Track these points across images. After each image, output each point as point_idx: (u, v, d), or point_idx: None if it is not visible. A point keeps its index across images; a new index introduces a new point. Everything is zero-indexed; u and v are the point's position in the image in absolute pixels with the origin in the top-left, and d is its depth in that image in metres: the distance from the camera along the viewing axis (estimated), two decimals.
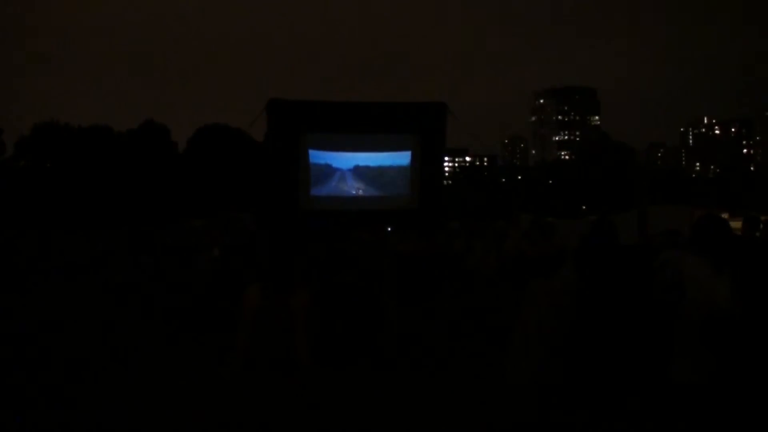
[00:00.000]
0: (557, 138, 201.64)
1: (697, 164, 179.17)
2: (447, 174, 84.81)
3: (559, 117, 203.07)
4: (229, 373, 4.25)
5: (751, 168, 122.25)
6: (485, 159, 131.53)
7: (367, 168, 19.38)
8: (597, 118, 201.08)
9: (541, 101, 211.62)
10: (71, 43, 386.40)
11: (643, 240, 10.03)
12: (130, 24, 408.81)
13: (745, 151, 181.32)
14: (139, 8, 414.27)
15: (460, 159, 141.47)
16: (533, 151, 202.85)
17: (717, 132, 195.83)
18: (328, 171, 19.22)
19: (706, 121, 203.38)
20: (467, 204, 54.04)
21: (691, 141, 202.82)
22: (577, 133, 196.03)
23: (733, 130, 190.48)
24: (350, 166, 19.33)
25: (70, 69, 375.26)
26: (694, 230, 4.01)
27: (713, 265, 3.80)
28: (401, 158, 19.43)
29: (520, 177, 79.93)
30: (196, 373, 6.03)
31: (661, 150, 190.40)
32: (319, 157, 19.11)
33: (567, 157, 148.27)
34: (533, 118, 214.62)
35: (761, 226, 7.47)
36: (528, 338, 4.33)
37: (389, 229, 16.98)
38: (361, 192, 19.42)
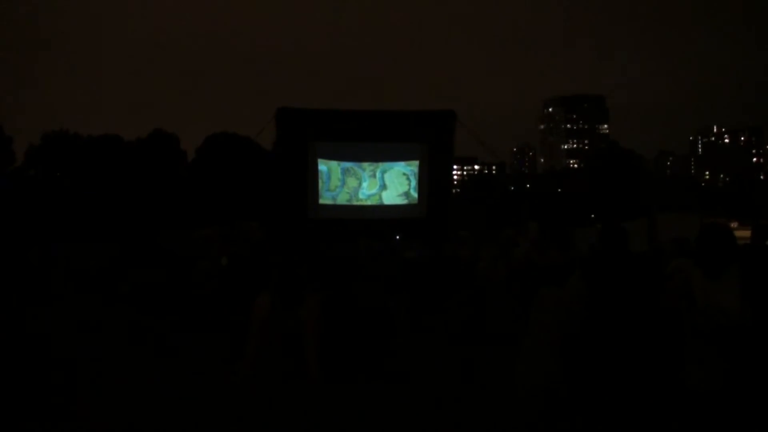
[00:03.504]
0: (566, 146, 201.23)
1: (707, 172, 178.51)
2: (455, 182, 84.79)
3: (568, 125, 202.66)
4: (237, 382, 4.25)
5: (761, 176, 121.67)
6: (494, 167, 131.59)
7: (375, 176, 19.39)
8: (606, 126, 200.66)
9: (550, 109, 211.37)
10: (81, 52, 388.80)
11: (653, 248, 9.98)
12: (138, 34, 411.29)
13: (754, 159, 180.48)
14: (147, 18, 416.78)
15: (469, 167, 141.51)
16: (542, 160, 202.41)
17: (726, 140, 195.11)
18: (337, 179, 19.23)
19: (715, 130, 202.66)
20: (476, 212, 53.92)
21: (700, 149, 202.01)
22: (586, 141, 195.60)
23: (742, 138, 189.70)
24: (359, 174, 19.34)
25: (80, 78, 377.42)
26: (698, 239, 4.02)
27: (720, 274, 3.80)
28: (410, 167, 19.44)
29: (528, 185, 79.75)
30: (204, 380, 6.03)
31: (671, 158, 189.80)
32: (327, 165, 19.14)
33: (576, 165, 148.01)
34: (542, 127, 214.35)
35: None
36: (538, 346, 4.32)
37: (397, 237, 17.00)
38: (369, 200, 19.42)
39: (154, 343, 7.82)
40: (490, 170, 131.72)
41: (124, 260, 11.28)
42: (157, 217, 39.55)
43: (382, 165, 19.35)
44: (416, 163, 19.36)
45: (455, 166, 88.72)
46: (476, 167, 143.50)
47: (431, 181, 19.23)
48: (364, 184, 19.34)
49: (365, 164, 19.34)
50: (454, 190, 39.89)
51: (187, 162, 57.81)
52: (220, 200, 44.42)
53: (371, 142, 19.11)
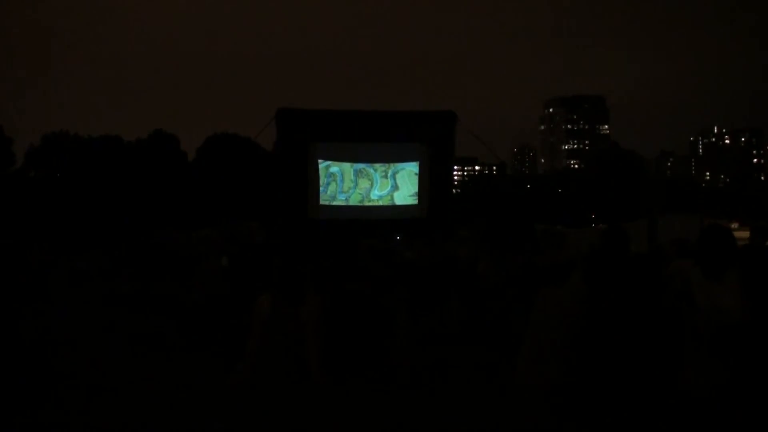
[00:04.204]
0: (566, 147, 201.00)
1: (707, 173, 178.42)
2: (456, 182, 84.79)
3: (568, 126, 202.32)
4: (238, 382, 4.26)
5: (761, 177, 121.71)
6: (494, 168, 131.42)
7: (376, 177, 19.39)
8: (606, 126, 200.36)
9: (550, 110, 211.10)
10: (81, 53, 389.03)
11: (653, 249, 9.99)
12: (139, 34, 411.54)
13: (755, 160, 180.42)
14: (147, 19, 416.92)
15: (469, 168, 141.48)
16: (542, 160, 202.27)
17: (727, 141, 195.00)
18: (337, 180, 19.24)
19: (716, 131, 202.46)
20: (476, 212, 53.90)
21: (700, 150, 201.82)
22: (586, 141, 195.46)
23: (743, 139, 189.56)
24: (359, 175, 19.34)
25: (80, 78, 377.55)
26: (699, 240, 4.03)
27: (721, 275, 3.80)
28: (410, 167, 19.44)
29: (529, 186, 79.73)
30: (205, 381, 6.02)
31: (671, 159, 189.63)
32: (328, 166, 19.15)
33: (576, 165, 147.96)
34: (542, 127, 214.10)
35: None
36: (538, 347, 4.32)
37: (398, 237, 17.01)
38: (369, 201, 19.43)
39: (155, 344, 7.81)
40: (491, 171, 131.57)
41: (126, 261, 11.28)
42: (158, 217, 39.58)
43: (393, 166, 19.38)
44: (417, 163, 19.39)
45: (455, 167, 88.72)
46: (476, 167, 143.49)
47: (432, 181, 19.23)
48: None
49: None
50: (454, 191, 39.96)
51: (187, 162, 57.80)
52: (220, 200, 44.47)
53: (371, 142, 19.13)
